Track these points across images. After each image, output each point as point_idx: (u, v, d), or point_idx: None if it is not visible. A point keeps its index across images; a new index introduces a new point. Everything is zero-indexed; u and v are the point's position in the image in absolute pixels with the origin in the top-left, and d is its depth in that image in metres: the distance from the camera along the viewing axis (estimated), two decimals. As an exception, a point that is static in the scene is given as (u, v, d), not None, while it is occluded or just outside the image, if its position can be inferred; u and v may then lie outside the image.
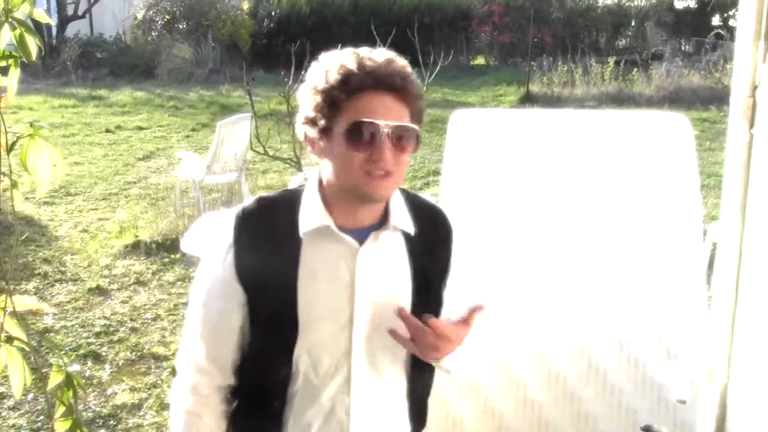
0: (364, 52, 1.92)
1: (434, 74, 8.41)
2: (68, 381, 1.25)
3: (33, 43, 1.27)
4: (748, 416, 1.54)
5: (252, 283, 1.97)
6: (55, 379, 1.27)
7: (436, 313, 2.14)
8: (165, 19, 23.02)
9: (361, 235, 2.00)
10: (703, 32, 22.52)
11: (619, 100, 16.70)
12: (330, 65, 1.90)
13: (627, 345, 2.76)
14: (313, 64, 1.97)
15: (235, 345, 2.03)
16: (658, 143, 3.01)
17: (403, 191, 2.13)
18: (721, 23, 24.33)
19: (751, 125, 1.51)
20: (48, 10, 21.49)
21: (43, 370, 1.31)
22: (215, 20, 22.54)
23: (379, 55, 1.91)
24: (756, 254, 1.52)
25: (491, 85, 19.73)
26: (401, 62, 1.93)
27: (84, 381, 5.09)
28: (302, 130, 1.98)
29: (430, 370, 2.21)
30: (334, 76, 1.87)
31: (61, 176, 9.70)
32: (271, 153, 8.27)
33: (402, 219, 2.05)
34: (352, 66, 1.86)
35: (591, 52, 20.65)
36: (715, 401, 1.70)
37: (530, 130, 3.12)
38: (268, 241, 1.99)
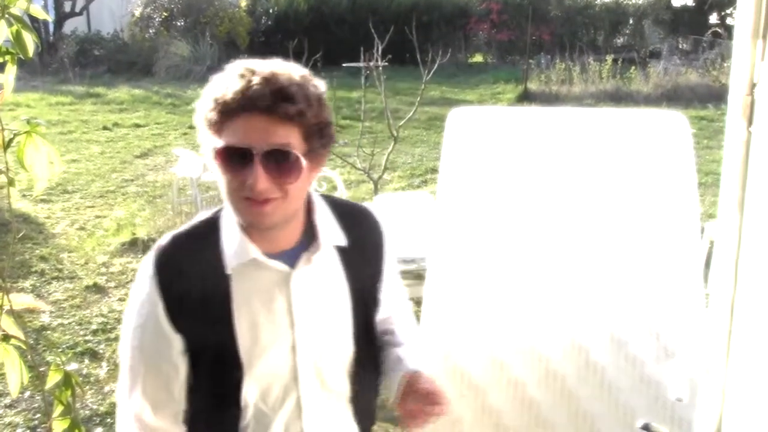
0: (251, 66, 1.82)
1: (432, 72, 8.40)
2: (66, 380, 1.25)
3: (30, 40, 1.26)
4: (745, 414, 1.54)
5: (187, 328, 1.89)
6: (53, 377, 1.27)
7: (373, 314, 2.15)
8: (163, 17, 23.00)
9: (291, 256, 1.94)
10: (701, 30, 22.53)
11: (617, 98, 16.71)
12: (213, 84, 1.81)
13: (625, 343, 2.76)
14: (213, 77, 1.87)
15: (179, 393, 1.95)
16: (655, 141, 3.00)
17: (327, 199, 2.09)
18: (719, 21, 24.35)
19: (750, 123, 1.51)
20: (45, 7, 21.54)
21: (40, 369, 1.30)
22: (213, 17, 22.53)
23: (263, 70, 1.80)
24: (754, 252, 1.52)
25: (489, 83, 19.74)
26: (283, 78, 1.80)
27: (81, 379, 5.09)
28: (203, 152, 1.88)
29: (375, 373, 2.21)
30: (212, 97, 1.78)
31: (59, 174, 9.69)
32: (268, 150, 8.25)
33: (331, 234, 2.01)
34: (229, 86, 1.77)
35: (589, 50, 20.65)
36: (712, 399, 1.70)
37: (528, 128, 3.12)
38: (195, 283, 1.89)
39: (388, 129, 8.54)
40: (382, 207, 5.97)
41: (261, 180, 1.74)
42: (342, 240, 2.02)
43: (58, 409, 1.27)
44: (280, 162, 1.76)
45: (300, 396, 2.00)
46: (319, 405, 2.04)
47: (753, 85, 1.50)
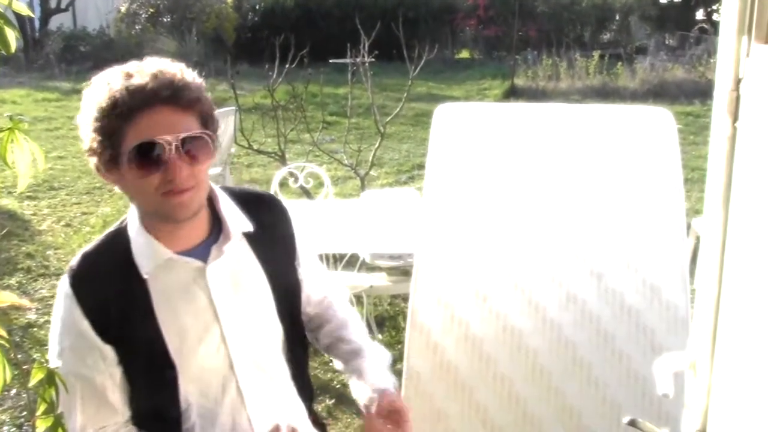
0: (132, 68, 1.85)
1: (419, 68, 8.41)
2: (50, 378, 1.24)
3: (12, 36, 1.25)
4: (731, 410, 1.54)
5: (115, 337, 1.90)
6: (36, 375, 1.26)
7: (297, 294, 2.21)
8: (149, 13, 22.90)
9: (202, 250, 1.97)
10: (687, 26, 22.58)
11: (604, 93, 16.72)
12: (99, 92, 1.82)
13: (612, 338, 2.76)
14: (86, 89, 1.88)
15: (120, 403, 1.96)
16: (641, 137, 3.01)
17: (227, 190, 2.12)
18: (705, 17, 24.38)
19: (735, 119, 1.51)
20: (30, 3, 21.40)
21: (24, 366, 1.29)
22: (199, 13, 22.46)
23: (147, 67, 1.84)
24: (739, 248, 1.52)
25: (476, 79, 19.73)
26: (171, 71, 1.85)
27: (67, 376, 5.06)
28: (91, 162, 1.88)
29: (303, 347, 2.27)
30: (104, 104, 1.79)
31: (44, 170, 9.65)
32: (255, 147, 8.25)
33: (237, 221, 2.04)
34: (119, 89, 1.78)
35: (576, 46, 20.66)
36: (698, 395, 1.70)
37: (515, 124, 3.12)
38: (112, 292, 1.91)
39: (375, 125, 8.55)
40: (369, 203, 5.97)
41: (183, 168, 1.79)
42: (249, 226, 2.05)
43: (42, 407, 1.26)
44: (193, 149, 1.81)
45: (239, 384, 2.02)
46: (260, 390, 2.07)
47: (738, 81, 1.50)
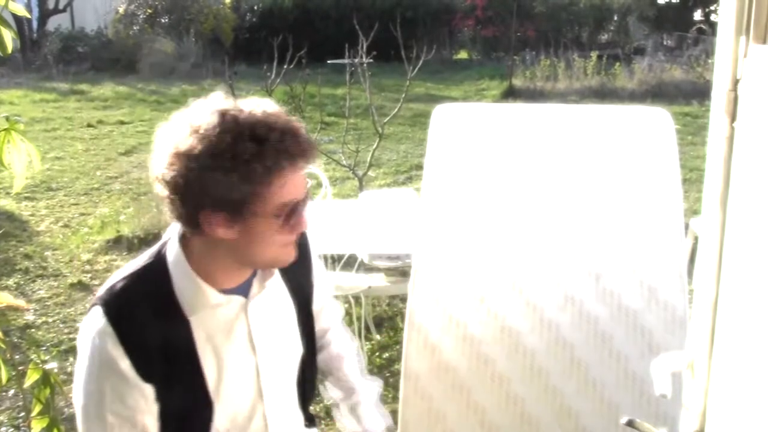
0: (271, 117, 1.73)
1: (417, 69, 8.40)
2: (45, 378, 1.24)
3: (9, 36, 1.25)
4: (729, 410, 1.54)
5: (156, 377, 1.82)
6: (32, 376, 1.26)
7: (312, 318, 2.21)
8: (147, 13, 22.90)
9: (245, 285, 1.94)
10: (685, 27, 22.60)
11: (602, 94, 16.71)
12: (231, 135, 1.66)
13: (609, 339, 2.76)
14: (189, 125, 1.72)
15: None
16: (640, 138, 3.01)
17: None
18: (703, 18, 24.39)
19: (733, 119, 1.51)
20: (28, 4, 21.42)
21: (20, 367, 1.29)
22: (197, 14, 22.47)
23: (284, 121, 1.74)
24: (737, 248, 1.52)
25: (474, 80, 19.73)
26: (300, 126, 1.77)
27: (65, 377, 5.06)
28: (184, 212, 1.75)
29: (314, 373, 2.28)
30: (246, 150, 1.65)
31: (42, 171, 9.65)
32: (253, 147, 8.22)
33: None
34: (263, 138, 1.67)
35: (574, 46, 20.67)
36: (696, 395, 1.70)
37: (513, 125, 3.12)
38: (155, 332, 1.82)
39: (373, 126, 8.54)
40: (367, 204, 5.96)
41: (307, 223, 1.83)
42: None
43: (37, 408, 1.25)
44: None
45: (266, 411, 2.02)
46: (281, 415, 2.07)
47: (736, 81, 1.50)
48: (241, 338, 1.94)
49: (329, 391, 2.46)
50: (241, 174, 1.66)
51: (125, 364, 1.78)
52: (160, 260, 1.88)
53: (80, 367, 1.83)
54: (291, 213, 1.76)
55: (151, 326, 1.82)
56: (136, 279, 1.87)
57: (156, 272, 1.87)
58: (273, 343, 2.01)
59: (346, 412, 2.43)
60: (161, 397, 1.85)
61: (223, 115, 1.70)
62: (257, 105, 1.76)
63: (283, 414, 2.09)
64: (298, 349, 2.11)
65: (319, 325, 2.30)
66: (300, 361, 2.14)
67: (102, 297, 1.84)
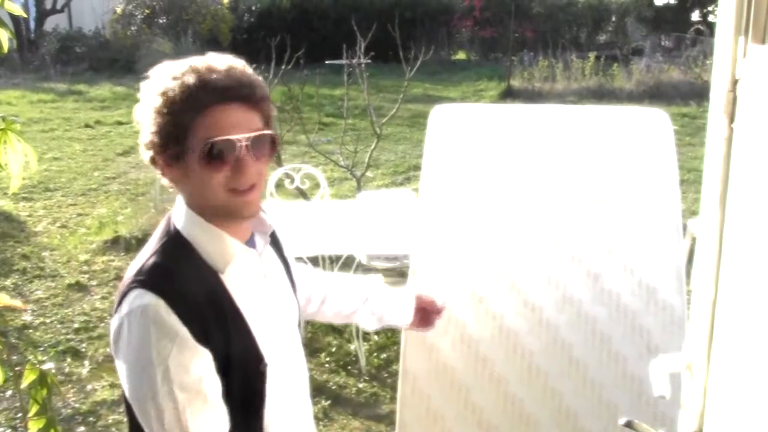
0: (201, 62, 1.81)
1: (415, 69, 8.41)
2: (42, 379, 1.23)
3: (4, 36, 1.25)
4: (728, 411, 1.54)
5: (213, 339, 1.80)
6: (28, 377, 1.25)
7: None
8: (144, 14, 22.90)
9: (251, 241, 1.99)
10: (683, 28, 22.62)
11: (600, 95, 16.72)
12: (168, 83, 1.76)
13: (608, 340, 2.76)
14: (147, 82, 1.82)
15: (225, 410, 1.84)
16: (638, 138, 3.01)
17: None
18: (701, 19, 24.42)
19: (731, 120, 1.51)
20: (26, 4, 21.39)
21: (17, 368, 1.29)
22: (195, 15, 22.46)
23: (217, 63, 1.81)
24: (736, 249, 1.51)
25: (472, 80, 19.74)
26: (242, 67, 1.84)
27: (63, 378, 5.07)
28: (147, 155, 1.83)
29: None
30: (176, 95, 1.74)
31: (40, 171, 9.64)
32: (251, 148, 8.23)
33: (267, 217, 2.08)
34: (194, 81, 1.74)
35: (572, 47, 20.70)
36: (695, 396, 1.70)
37: (511, 126, 3.11)
38: (200, 299, 1.81)
39: (371, 126, 8.54)
40: (365, 205, 5.96)
41: (252, 169, 1.79)
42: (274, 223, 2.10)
43: (34, 409, 1.25)
44: (260, 147, 1.81)
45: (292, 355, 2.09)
46: (299, 361, 2.14)
47: (735, 82, 1.50)
48: (264, 290, 1.98)
49: (359, 320, 2.58)
50: (175, 110, 1.74)
51: (183, 330, 1.75)
52: (173, 231, 1.90)
53: (134, 354, 1.78)
54: (218, 152, 1.75)
55: (194, 290, 1.82)
56: (162, 253, 1.87)
57: (176, 241, 1.88)
58: (281, 295, 2.07)
59: (371, 320, 2.56)
60: (221, 359, 1.82)
61: (178, 62, 1.82)
62: (219, 56, 1.85)
63: (293, 367, 2.11)
64: (295, 303, 2.15)
65: (310, 285, 2.44)
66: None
67: (136, 279, 1.81)
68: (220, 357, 1.83)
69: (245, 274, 1.94)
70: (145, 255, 1.89)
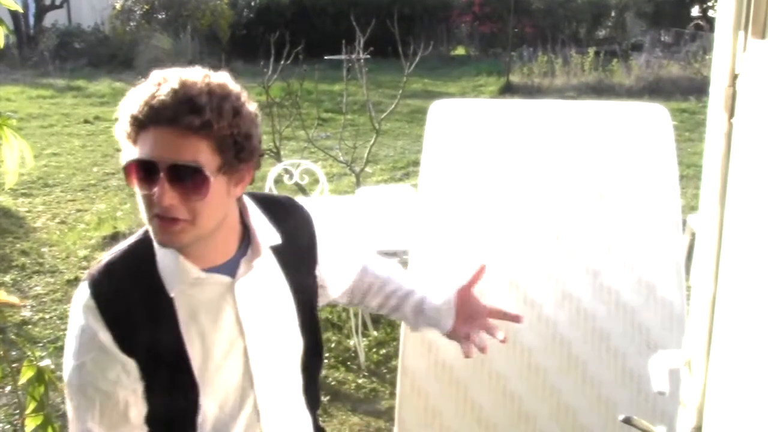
0: (165, 75, 1.74)
1: (414, 65, 8.41)
2: (39, 376, 1.23)
3: (1, 32, 1.24)
4: (727, 407, 1.53)
5: (140, 355, 1.82)
6: (26, 374, 1.25)
7: (315, 301, 2.17)
8: (144, 9, 22.87)
9: (231, 264, 1.90)
10: (683, 23, 22.58)
11: (599, 90, 16.71)
12: (132, 94, 1.75)
13: (607, 336, 2.76)
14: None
15: (137, 419, 1.87)
16: (637, 134, 3.00)
17: (253, 197, 2.04)
18: (701, 14, 24.42)
19: (731, 115, 1.50)
20: (25, 0, 21.35)
21: (14, 364, 1.28)
22: (194, 10, 22.43)
23: (173, 79, 1.71)
24: (735, 244, 1.51)
25: (471, 76, 19.72)
26: (193, 88, 1.70)
27: (61, 374, 5.05)
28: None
29: (319, 358, 2.22)
30: (124, 109, 1.73)
31: (39, 167, 9.63)
32: (250, 144, 8.23)
33: (266, 234, 1.97)
34: (142, 97, 1.70)
35: (571, 42, 20.65)
36: (694, 392, 1.70)
37: (510, 121, 3.11)
38: (138, 309, 1.82)
39: (370, 122, 8.54)
40: (364, 200, 5.96)
41: (166, 196, 1.68)
42: (277, 239, 1.99)
43: (31, 406, 1.24)
44: (185, 179, 1.69)
45: (257, 399, 1.98)
46: (276, 404, 2.03)
47: (735, 77, 1.49)
48: (228, 320, 1.90)
49: (392, 315, 2.47)
50: (123, 130, 1.74)
51: (106, 336, 1.78)
52: (147, 237, 1.87)
53: (67, 341, 1.85)
54: (137, 171, 1.71)
55: (135, 301, 1.82)
56: (122, 255, 1.89)
57: (142, 249, 1.87)
58: (265, 329, 1.97)
59: (413, 318, 2.41)
60: (146, 375, 1.84)
61: (150, 79, 1.77)
62: (180, 74, 1.75)
63: (280, 408, 2.06)
64: (296, 341, 2.06)
65: (348, 280, 2.34)
66: (302, 356, 2.10)
67: (89, 272, 1.87)
68: (147, 375, 1.84)
69: (205, 299, 1.88)
70: (116, 248, 1.92)
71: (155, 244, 1.84)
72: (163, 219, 1.72)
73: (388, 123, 10.96)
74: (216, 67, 1.86)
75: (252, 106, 1.84)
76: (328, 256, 2.21)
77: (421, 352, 2.81)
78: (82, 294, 1.83)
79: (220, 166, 1.73)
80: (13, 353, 4.77)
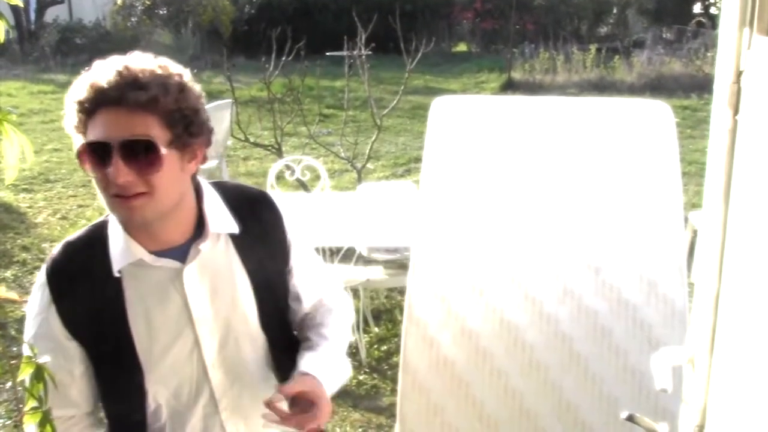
0: (106, 62, 1.79)
1: (416, 61, 8.39)
2: (38, 373, 1.22)
3: (1, 27, 1.23)
4: (731, 405, 1.53)
5: (82, 334, 1.89)
6: (24, 370, 1.24)
7: (285, 301, 2.13)
8: (145, 5, 22.84)
9: (183, 250, 1.91)
10: (685, 20, 22.54)
11: (601, 87, 16.67)
12: (75, 84, 1.79)
13: (608, 333, 2.75)
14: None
15: (78, 398, 1.95)
16: (639, 131, 2.99)
17: (218, 186, 2.03)
18: (703, 11, 24.37)
19: (736, 112, 1.49)
20: (26, -5, 21.33)
21: (14, 361, 1.27)
22: (196, 6, 22.40)
23: (114, 65, 1.78)
24: (739, 241, 1.50)
25: (473, 72, 19.69)
26: (135, 69, 1.77)
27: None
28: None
29: (292, 355, 2.12)
30: (73, 97, 1.77)
31: (40, 163, 9.63)
32: (251, 140, 8.24)
33: (221, 221, 1.96)
34: (86, 84, 1.75)
35: (573, 39, 20.62)
36: (697, 390, 1.69)
37: (512, 117, 3.10)
38: (86, 288, 1.89)
39: (372, 118, 8.52)
40: (366, 196, 5.95)
41: (121, 173, 1.71)
42: (233, 227, 1.97)
43: (30, 403, 1.24)
44: (139, 154, 1.73)
45: (213, 390, 1.97)
46: (235, 397, 2.01)
47: (740, 74, 1.49)
48: (176, 307, 1.91)
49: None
50: (71, 120, 1.79)
51: (53, 316, 1.88)
52: (106, 219, 1.94)
53: (27, 312, 1.96)
54: (91, 153, 1.75)
55: (84, 282, 1.89)
56: (79, 236, 1.97)
57: (99, 228, 1.94)
58: (218, 318, 1.95)
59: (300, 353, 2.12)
60: (90, 355, 1.91)
61: (95, 64, 1.81)
62: (124, 57, 1.82)
63: (245, 401, 2.03)
64: (256, 331, 2.03)
65: (308, 300, 2.20)
66: (268, 346, 2.07)
67: (52, 251, 1.95)
68: (90, 353, 1.92)
69: (152, 283, 1.90)
70: (80, 230, 1.99)
71: (110, 227, 1.90)
72: (124, 197, 1.75)
73: (389, 119, 10.94)
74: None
75: (197, 86, 1.88)
76: (300, 257, 2.17)
77: (422, 349, 2.81)
78: (41, 271, 1.93)
79: (171, 140, 1.77)
80: (14, 349, 4.77)
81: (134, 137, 1.72)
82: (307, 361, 2.04)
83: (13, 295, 1.36)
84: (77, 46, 22.06)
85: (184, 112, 1.79)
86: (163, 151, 1.75)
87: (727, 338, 1.56)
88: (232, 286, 1.98)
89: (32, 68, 19.55)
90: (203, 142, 1.87)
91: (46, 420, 1.20)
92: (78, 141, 1.79)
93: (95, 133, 1.73)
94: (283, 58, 8.33)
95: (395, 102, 8.65)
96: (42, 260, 6.86)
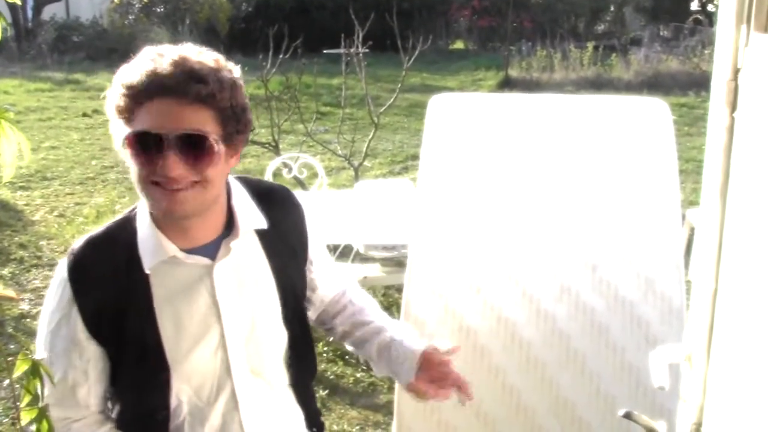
0: (162, 51, 1.78)
1: (413, 59, 8.39)
2: (34, 369, 1.22)
3: (-2, 23, 1.23)
4: (728, 402, 1.53)
5: (106, 334, 1.84)
6: (20, 367, 1.24)
7: (304, 297, 2.14)
8: (142, 3, 22.84)
9: (213, 247, 1.90)
10: (682, 17, 22.58)
11: (598, 85, 16.68)
12: (122, 71, 1.77)
13: (606, 330, 2.75)
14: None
15: (87, 399, 1.91)
16: (637, 128, 2.99)
17: (244, 181, 2.04)
18: (700, 8, 24.38)
19: (733, 109, 1.50)
20: (24, -7, 21.31)
21: (11, 358, 1.27)
22: (193, 4, 22.41)
23: (171, 54, 1.76)
24: (736, 239, 1.50)
25: (470, 70, 19.70)
26: (194, 61, 1.76)
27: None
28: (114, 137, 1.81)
29: (311, 355, 2.18)
30: (121, 83, 1.74)
31: (37, 160, 9.62)
32: (249, 137, 8.23)
33: (251, 218, 1.95)
34: (138, 71, 1.72)
35: (570, 37, 20.64)
36: (694, 387, 1.69)
37: (509, 115, 3.10)
38: (111, 285, 1.84)
39: (369, 116, 8.53)
40: (363, 194, 5.95)
41: (174, 167, 1.70)
42: (262, 223, 1.97)
43: (26, 399, 1.24)
44: (194, 148, 1.72)
45: (235, 388, 1.96)
46: (256, 395, 2.00)
47: (737, 71, 1.49)
48: (205, 304, 1.89)
49: (357, 350, 2.28)
50: (116, 105, 1.75)
51: (73, 314, 1.83)
52: (132, 214, 1.91)
53: (42, 310, 1.92)
54: (141, 143, 1.71)
55: (110, 279, 1.85)
56: (104, 231, 1.92)
57: (125, 224, 1.90)
58: (244, 315, 1.94)
59: (377, 357, 2.19)
60: (113, 356, 1.87)
61: (144, 54, 1.79)
62: (180, 48, 1.82)
63: (264, 398, 2.03)
64: (279, 331, 2.03)
65: (330, 293, 2.25)
66: (288, 350, 2.07)
67: (73, 246, 1.89)
68: (114, 353, 1.88)
69: (181, 280, 1.88)
70: (103, 225, 1.95)
71: (138, 223, 1.87)
72: (166, 189, 1.73)
73: (386, 117, 10.95)
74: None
75: (242, 81, 1.88)
76: (319, 258, 2.19)
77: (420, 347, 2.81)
78: (62, 267, 1.87)
79: (222, 136, 1.77)
80: (11, 346, 4.77)
81: (191, 131, 1.71)
82: (409, 336, 2.19)
83: (10, 292, 1.36)
84: (74, 44, 22.06)
85: (236, 110, 1.79)
86: (217, 146, 1.74)
87: (724, 336, 1.56)
88: (257, 282, 1.98)
89: (29, 66, 19.53)
90: (245, 139, 1.88)
91: (42, 416, 1.20)
92: (117, 124, 1.76)
93: (147, 122, 1.70)
94: (280, 56, 8.32)
95: (392, 100, 8.64)
96: (39, 258, 6.90)
